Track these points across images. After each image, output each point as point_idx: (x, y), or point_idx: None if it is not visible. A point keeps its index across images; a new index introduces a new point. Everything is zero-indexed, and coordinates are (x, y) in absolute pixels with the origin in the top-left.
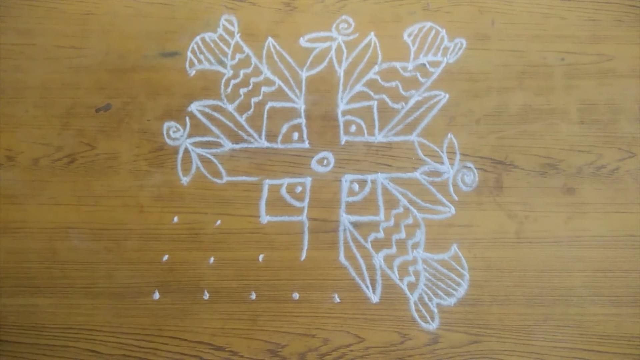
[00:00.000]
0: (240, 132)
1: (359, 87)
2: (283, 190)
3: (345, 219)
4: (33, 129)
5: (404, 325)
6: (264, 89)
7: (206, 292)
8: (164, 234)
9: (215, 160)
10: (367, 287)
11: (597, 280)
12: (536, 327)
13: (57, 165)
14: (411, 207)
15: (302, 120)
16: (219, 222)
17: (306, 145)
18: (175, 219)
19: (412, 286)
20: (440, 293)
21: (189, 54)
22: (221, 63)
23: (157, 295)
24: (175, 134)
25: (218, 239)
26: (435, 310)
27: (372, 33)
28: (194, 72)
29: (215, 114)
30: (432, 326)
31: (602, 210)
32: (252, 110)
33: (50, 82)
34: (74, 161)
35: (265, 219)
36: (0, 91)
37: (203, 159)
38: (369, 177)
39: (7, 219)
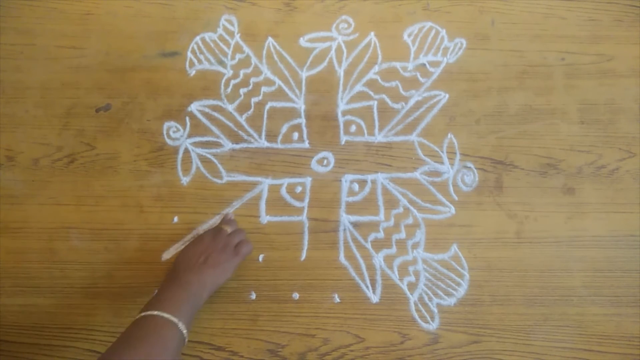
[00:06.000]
0: (240, 132)
1: (359, 87)
2: (283, 190)
3: (345, 219)
4: (33, 129)
5: (404, 325)
6: (264, 89)
7: None
8: (164, 234)
9: (215, 160)
10: (367, 287)
11: (597, 280)
12: (536, 327)
13: (57, 165)
14: (411, 207)
15: (302, 120)
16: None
17: (306, 145)
18: (175, 219)
19: (412, 286)
20: (440, 293)
21: (189, 54)
22: (221, 63)
23: None
24: (175, 134)
25: None
26: (435, 310)
27: (372, 33)
28: (194, 72)
29: (215, 114)
30: (432, 326)
31: (602, 210)
32: (252, 110)
33: (50, 82)
34: (74, 161)
35: (265, 219)
36: (0, 91)
37: (203, 159)
38: (369, 177)
39: (7, 219)
